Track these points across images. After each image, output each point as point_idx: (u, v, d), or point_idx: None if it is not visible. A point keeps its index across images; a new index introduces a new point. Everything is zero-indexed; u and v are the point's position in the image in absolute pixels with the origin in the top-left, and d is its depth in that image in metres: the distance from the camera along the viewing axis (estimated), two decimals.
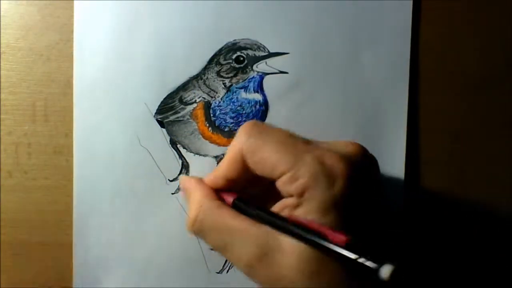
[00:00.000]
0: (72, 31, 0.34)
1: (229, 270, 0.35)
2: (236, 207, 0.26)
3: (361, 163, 0.25)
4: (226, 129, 0.34)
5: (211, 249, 0.27)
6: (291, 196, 0.24)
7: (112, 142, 0.34)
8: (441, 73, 0.35)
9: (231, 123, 0.34)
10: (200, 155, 0.35)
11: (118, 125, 0.34)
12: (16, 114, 0.35)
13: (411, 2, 0.34)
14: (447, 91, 0.35)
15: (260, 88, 0.34)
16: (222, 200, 0.27)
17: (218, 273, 0.35)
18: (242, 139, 0.26)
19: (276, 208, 0.25)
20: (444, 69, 0.35)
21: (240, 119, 0.34)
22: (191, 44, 0.34)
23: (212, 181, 0.27)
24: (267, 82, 0.34)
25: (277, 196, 0.25)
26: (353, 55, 0.34)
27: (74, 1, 0.34)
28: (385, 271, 0.20)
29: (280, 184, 0.24)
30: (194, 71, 0.34)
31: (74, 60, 0.34)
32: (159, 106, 0.34)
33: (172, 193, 0.35)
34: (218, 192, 0.27)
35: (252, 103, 0.34)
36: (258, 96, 0.34)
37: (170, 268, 0.35)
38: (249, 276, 0.25)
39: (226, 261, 0.35)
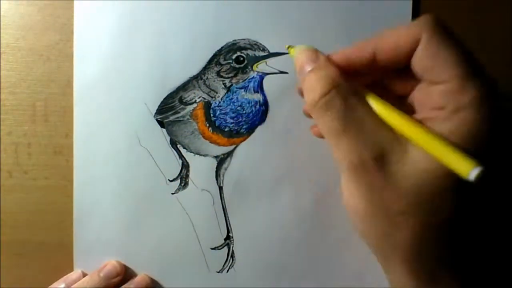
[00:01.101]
0: (72, 31, 0.34)
1: (229, 270, 0.35)
2: (367, 102, 0.24)
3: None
4: (226, 129, 0.34)
5: (321, 135, 0.24)
6: (439, 108, 0.22)
7: (112, 142, 0.34)
8: None
9: (231, 123, 0.34)
10: (200, 155, 0.35)
11: (118, 125, 0.34)
12: (16, 114, 0.35)
13: (410, 2, 0.34)
14: None
15: (260, 88, 0.34)
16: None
17: (218, 272, 0.35)
18: (429, 26, 0.23)
19: (414, 117, 0.23)
20: None
21: (240, 119, 0.34)
22: (191, 44, 0.34)
23: (354, 55, 0.24)
24: (267, 82, 0.34)
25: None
26: None
27: (74, 1, 0.34)
28: None
29: (437, 91, 0.22)
30: (194, 71, 0.34)
31: (74, 60, 0.34)
32: (159, 106, 0.34)
33: (172, 193, 0.35)
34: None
35: (252, 103, 0.34)
36: (258, 96, 0.34)
37: (170, 268, 0.35)
38: (349, 175, 0.23)
39: (226, 261, 0.35)
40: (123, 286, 0.34)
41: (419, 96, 0.24)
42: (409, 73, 0.24)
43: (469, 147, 0.21)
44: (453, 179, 0.21)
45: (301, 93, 0.27)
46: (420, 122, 0.23)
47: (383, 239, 0.23)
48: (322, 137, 0.28)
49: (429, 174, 0.22)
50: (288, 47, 0.28)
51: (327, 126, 0.23)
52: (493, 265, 0.25)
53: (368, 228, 0.24)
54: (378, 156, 0.22)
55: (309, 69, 0.25)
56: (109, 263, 0.34)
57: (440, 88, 0.22)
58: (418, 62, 0.23)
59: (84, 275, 0.34)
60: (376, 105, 0.23)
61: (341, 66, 0.25)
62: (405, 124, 0.22)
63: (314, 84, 0.24)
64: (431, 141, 0.21)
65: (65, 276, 0.34)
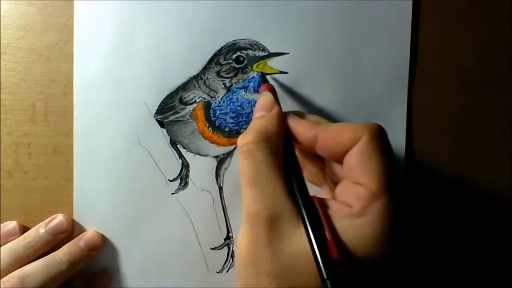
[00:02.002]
0: (72, 31, 0.34)
1: (229, 270, 0.35)
2: (289, 170, 0.25)
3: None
4: (226, 129, 0.34)
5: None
6: (349, 206, 0.24)
7: (112, 142, 0.34)
8: (441, 73, 0.35)
9: (231, 123, 0.34)
10: (200, 155, 0.35)
11: (118, 125, 0.34)
12: (16, 114, 0.35)
13: (411, 2, 0.34)
14: (447, 91, 0.35)
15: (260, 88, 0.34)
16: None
17: (218, 273, 0.35)
18: (371, 132, 0.25)
19: (327, 208, 0.25)
20: (444, 69, 0.35)
21: (240, 119, 0.34)
22: (191, 44, 0.34)
23: (301, 129, 0.26)
24: None
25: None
26: (353, 55, 0.34)
27: (74, 1, 0.34)
28: None
29: (354, 189, 0.24)
30: (194, 71, 0.34)
31: (74, 60, 0.34)
32: (159, 106, 0.34)
33: (172, 193, 0.35)
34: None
35: (252, 103, 0.34)
36: (258, 96, 0.34)
37: (170, 268, 0.35)
38: (244, 223, 0.24)
39: (226, 261, 0.35)
40: (70, 242, 0.33)
41: (339, 188, 0.26)
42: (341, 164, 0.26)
43: (351, 250, 0.22)
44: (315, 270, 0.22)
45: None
46: (329, 208, 0.24)
47: None
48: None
49: (304, 254, 0.22)
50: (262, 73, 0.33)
51: (243, 171, 0.25)
52: None
53: (239, 275, 0.25)
54: (271, 218, 0.23)
55: (259, 115, 0.27)
56: (56, 217, 0.34)
57: (357, 189, 0.24)
58: (349, 159, 0.25)
59: (20, 226, 0.34)
60: (296, 174, 0.25)
61: (292, 132, 0.27)
62: (308, 206, 0.24)
63: (252, 127, 0.26)
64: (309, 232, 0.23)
65: None
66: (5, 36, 0.34)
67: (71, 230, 0.34)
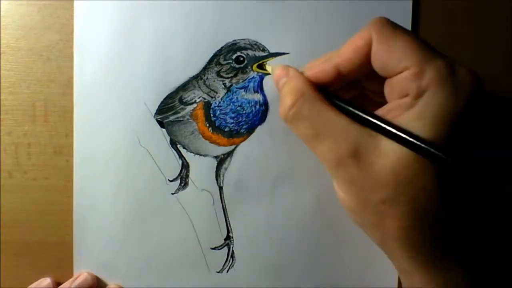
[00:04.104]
0: (72, 31, 0.34)
1: (229, 270, 0.35)
2: (336, 104, 0.25)
3: (481, 86, 0.24)
4: (226, 129, 0.34)
5: (301, 138, 0.26)
6: (404, 96, 0.23)
7: (112, 142, 0.34)
8: None
9: (231, 123, 0.34)
10: (200, 155, 0.35)
11: (118, 125, 0.34)
12: (16, 114, 0.35)
13: (411, 2, 0.34)
14: None
15: (260, 88, 0.34)
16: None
17: (218, 273, 0.35)
18: (375, 27, 0.24)
19: (380, 111, 0.24)
20: None
21: (240, 119, 0.34)
22: (191, 44, 0.34)
23: (319, 70, 0.26)
24: (267, 82, 0.34)
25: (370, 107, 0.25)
26: None
27: (74, 1, 0.34)
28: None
29: (398, 79, 0.23)
30: (194, 71, 0.34)
31: (74, 60, 0.34)
32: (159, 106, 0.34)
33: (172, 193, 0.35)
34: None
35: (252, 103, 0.34)
36: (258, 96, 0.34)
37: (170, 268, 0.35)
38: (332, 173, 0.24)
39: (226, 261, 0.35)
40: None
41: (387, 91, 0.25)
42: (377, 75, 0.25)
43: (435, 132, 0.22)
44: (428, 164, 0.22)
45: None
46: (387, 114, 0.23)
47: (375, 229, 0.24)
48: None
49: (404, 162, 0.22)
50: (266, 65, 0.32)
51: (301, 134, 0.25)
52: (498, 253, 0.26)
53: (360, 220, 0.25)
54: (352, 152, 0.23)
55: (281, 84, 0.27)
56: (82, 275, 0.34)
57: (400, 77, 0.23)
58: (376, 61, 0.24)
59: (54, 282, 0.34)
60: (344, 106, 0.25)
61: (313, 80, 0.26)
62: (372, 119, 0.24)
63: (283, 97, 0.26)
64: (394, 132, 0.22)
65: (34, 284, 0.34)
66: (5, 36, 0.34)
67: (95, 287, 0.35)
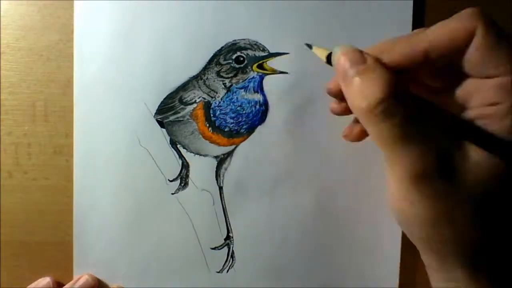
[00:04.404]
0: (72, 31, 0.34)
1: (229, 270, 0.35)
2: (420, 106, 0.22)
3: None
4: (226, 129, 0.34)
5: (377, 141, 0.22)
6: (494, 104, 0.21)
7: (112, 142, 0.34)
8: None
9: (231, 123, 0.34)
10: (200, 155, 0.35)
11: (118, 125, 0.34)
12: (16, 114, 0.35)
13: (411, 2, 0.34)
14: None
15: (260, 88, 0.34)
16: None
17: (218, 273, 0.35)
18: (485, 20, 0.22)
19: (468, 115, 0.22)
20: None
21: (240, 119, 0.34)
22: (191, 44, 0.34)
23: (405, 53, 0.23)
24: (267, 82, 0.34)
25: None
26: None
27: (74, 1, 0.34)
28: None
29: (491, 84, 0.21)
30: (194, 71, 0.34)
31: (74, 60, 0.34)
32: (159, 106, 0.34)
33: (172, 193, 0.35)
34: None
35: (252, 103, 0.34)
36: (258, 96, 0.34)
37: (170, 268, 0.35)
38: (411, 186, 0.22)
39: (226, 261, 0.35)
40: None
41: (467, 92, 0.23)
42: (448, 68, 0.23)
43: None
44: None
45: (333, 94, 0.26)
46: (473, 121, 0.22)
47: (445, 244, 0.22)
48: (356, 141, 0.28)
49: (493, 174, 0.21)
50: (311, 47, 0.27)
51: (385, 134, 0.22)
52: None
53: (431, 235, 0.23)
54: (442, 165, 0.21)
55: (354, 72, 0.23)
56: (83, 277, 0.34)
57: (493, 82, 0.21)
58: (471, 56, 0.22)
59: (54, 281, 0.34)
60: (429, 108, 0.22)
61: (391, 66, 0.23)
62: (460, 125, 0.22)
63: (366, 88, 0.22)
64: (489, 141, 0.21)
65: (33, 284, 0.34)
66: (5, 36, 0.34)
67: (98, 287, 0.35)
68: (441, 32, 0.23)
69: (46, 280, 0.34)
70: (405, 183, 0.22)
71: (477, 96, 0.22)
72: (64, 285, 0.34)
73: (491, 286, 0.23)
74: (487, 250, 0.22)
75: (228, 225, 0.35)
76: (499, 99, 0.21)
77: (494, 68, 0.21)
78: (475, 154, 0.21)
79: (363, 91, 0.22)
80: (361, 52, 0.23)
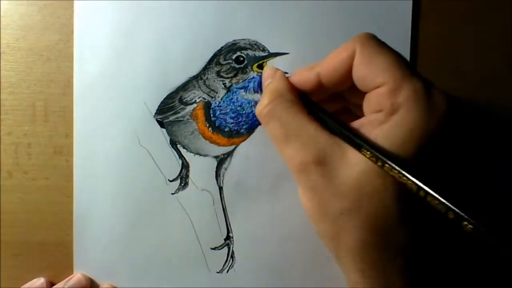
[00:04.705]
0: (72, 31, 0.34)
1: (229, 270, 0.35)
2: (312, 111, 0.25)
3: (459, 112, 0.24)
4: (226, 129, 0.34)
5: (272, 139, 0.26)
6: (378, 112, 0.23)
7: (112, 142, 0.34)
8: (441, 73, 0.35)
9: (231, 123, 0.34)
10: (200, 155, 0.35)
11: (118, 125, 0.34)
12: (16, 114, 0.35)
13: (411, 2, 0.34)
14: (447, 91, 0.35)
15: (260, 88, 0.34)
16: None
17: (218, 273, 0.35)
18: (360, 40, 0.24)
19: (353, 124, 0.24)
20: (444, 69, 0.35)
21: (240, 119, 0.34)
22: (191, 44, 0.34)
23: (302, 77, 0.26)
24: None
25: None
26: None
27: (74, 1, 0.34)
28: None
29: (375, 94, 0.23)
30: (194, 71, 0.34)
31: (74, 60, 0.34)
32: (159, 106, 0.34)
33: (172, 193, 0.35)
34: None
35: (252, 103, 0.34)
36: (258, 96, 0.34)
37: (170, 268, 0.35)
38: (296, 177, 0.24)
39: (226, 261, 0.35)
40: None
41: (364, 105, 0.25)
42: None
43: (403, 150, 0.22)
44: (392, 181, 0.22)
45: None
46: (361, 127, 0.24)
47: (331, 239, 0.24)
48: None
49: (367, 175, 0.22)
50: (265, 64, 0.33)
51: (272, 134, 0.26)
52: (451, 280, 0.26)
53: (318, 229, 0.25)
54: (318, 159, 0.23)
55: (264, 85, 0.28)
56: (75, 276, 0.34)
57: (377, 92, 0.23)
58: (356, 73, 0.24)
59: (48, 282, 0.34)
60: (319, 113, 0.25)
61: (296, 86, 0.26)
62: (343, 129, 0.24)
63: (263, 95, 0.26)
64: (361, 144, 0.23)
65: (27, 284, 0.34)
66: (5, 36, 0.34)
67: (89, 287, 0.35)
68: (330, 57, 0.25)
69: (40, 281, 0.34)
70: (294, 176, 0.25)
71: (367, 106, 0.24)
72: None
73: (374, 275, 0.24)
74: (371, 252, 0.23)
75: (228, 225, 0.35)
76: (380, 106, 0.23)
77: (374, 80, 0.23)
78: (353, 155, 0.23)
79: (262, 97, 0.27)
80: (275, 69, 0.28)
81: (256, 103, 0.34)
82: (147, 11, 0.34)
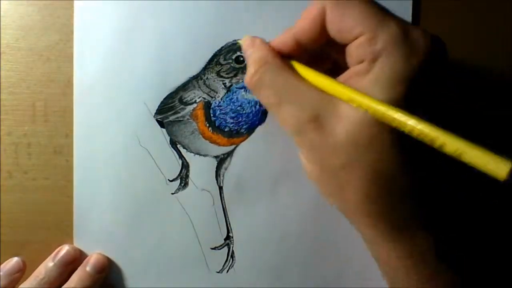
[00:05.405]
0: (72, 31, 0.34)
1: (229, 270, 0.35)
2: (298, 72, 0.25)
3: (440, 47, 0.24)
4: (226, 129, 0.34)
5: (265, 105, 0.26)
6: (361, 62, 0.23)
7: (112, 142, 0.34)
8: None
9: (231, 123, 0.34)
10: (200, 155, 0.35)
11: (118, 125, 0.34)
12: (16, 114, 0.35)
13: (411, 2, 0.34)
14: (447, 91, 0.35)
15: None
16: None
17: (218, 273, 0.35)
18: None
19: (340, 78, 0.24)
20: None
21: (240, 119, 0.34)
22: (191, 44, 0.34)
23: (280, 41, 0.26)
24: None
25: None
26: None
27: (74, 1, 0.34)
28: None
29: (354, 46, 0.23)
30: (194, 71, 0.34)
31: (74, 60, 0.34)
32: (159, 106, 0.34)
33: (172, 193, 0.35)
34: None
35: (252, 103, 0.34)
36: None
37: (170, 268, 0.35)
38: (295, 139, 0.25)
39: (226, 261, 0.35)
40: (78, 269, 0.33)
41: (347, 58, 0.25)
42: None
43: (391, 94, 0.22)
44: (387, 128, 0.22)
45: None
46: (347, 80, 0.24)
47: (337, 197, 0.24)
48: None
49: (361, 126, 0.22)
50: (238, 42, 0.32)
51: (265, 102, 0.26)
52: (461, 220, 0.26)
53: (323, 189, 0.25)
54: (313, 117, 0.23)
55: (247, 54, 0.27)
56: (62, 248, 0.34)
57: (356, 43, 0.23)
58: (331, 29, 0.24)
59: (23, 262, 0.34)
60: (306, 74, 0.25)
61: (277, 50, 0.26)
62: (331, 85, 0.24)
63: (249, 66, 0.26)
64: (355, 96, 0.22)
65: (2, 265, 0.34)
66: (5, 36, 0.34)
67: (80, 258, 0.34)
68: (301, 18, 0.25)
69: (14, 260, 0.34)
70: (293, 139, 0.25)
71: (351, 59, 0.24)
72: None
73: (394, 239, 0.24)
74: (379, 202, 0.23)
75: (228, 225, 0.35)
76: (361, 57, 0.23)
77: (351, 31, 0.23)
78: (346, 108, 0.23)
79: (247, 68, 0.26)
80: (252, 38, 0.28)
81: (256, 103, 0.34)
82: (147, 11, 0.34)
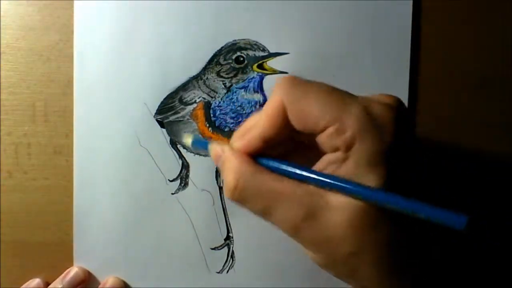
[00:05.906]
0: (72, 31, 0.34)
1: (229, 270, 0.35)
2: (276, 169, 0.24)
3: (403, 113, 0.24)
4: (226, 129, 0.34)
5: (255, 214, 0.25)
6: (336, 150, 0.23)
7: (112, 142, 0.34)
8: (441, 73, 0.35)
9: (231, 123, 0.34)
10: (200, 155, 0.35)
11: (118, 125, 0.34)
12: (16, 114, 0.35)
13: (411, 2, 0.34)
14: (447, 91, 0.35)
15: (260, 88, 0.34)
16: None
17: (218, 273, 0.35)
18: (283, 90, 0.24)
19: (317, 167, 0.24)
20: (444, 69, 0.35)
21: (240, 119, 0.34)
22: (191, 44, 0.34)
23: (246, 145, 0.25)
24: (267, 82, 0.34)
25: (312, 160, 0.24)
26: (353, 55, 0.34)
27: (74, 1, 0.34)
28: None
29: (324, 137, 0.23)
30: (194, 71, 0.34)
31: (74, 60, 0.34)
32: (159, 106, 0.34)
33: (172, 193, 0.35)
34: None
35: (252, 103, 0.34)
36: (258, 96, 0.34)
37: (170, 268, 0.35)
38: (295, 239, 0.24)
39: (226, 261, 0.35)
40: None
41: (319, 144, 0.24)
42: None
43: (375, 175, 0.22)
44: (383, 211, 0.22)
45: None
46: (326, 169, 0.23)
47: (352, 278, 0.25)
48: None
49: (360, 211, 0.22)
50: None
51: (254, 211, 0.25)
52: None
53: (337, 273, 0.25)
54: (306, 215, 0.23)
55: (219, 165, 0.26)
56: (71, 270, 0.34)
57: (325, 135, 0.23)
58: (295, 123, 0.23)
59: (44, 282, 0.34)
60: (286, 170, 0.24)
61: (246, 152, 0.25)
62: (316, 176, 0.23)
63: (225, 178, 0.25)
64: (342, 185, 0.22)
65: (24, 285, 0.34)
66: (5, 36, 0.34)
67: (88, 280, 0.34)
68: (263, 118, 0.24)
69: (35, 281, 0.34)
70: (290, 236, 0.24)
71: (324, 146, 0.24)
72: None
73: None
74: (389, 274, 0.24)
75: (228, 225, 0.35)
76: (335, 146, 0.23)
77: (317, 125, 0.23)
78: (335, 200, 0.23)
79: (224, 180, 0.25)
80: (219, 145, 0.26)
81: (256, 103, 0.34)
82: (147, 11, 0.34)
